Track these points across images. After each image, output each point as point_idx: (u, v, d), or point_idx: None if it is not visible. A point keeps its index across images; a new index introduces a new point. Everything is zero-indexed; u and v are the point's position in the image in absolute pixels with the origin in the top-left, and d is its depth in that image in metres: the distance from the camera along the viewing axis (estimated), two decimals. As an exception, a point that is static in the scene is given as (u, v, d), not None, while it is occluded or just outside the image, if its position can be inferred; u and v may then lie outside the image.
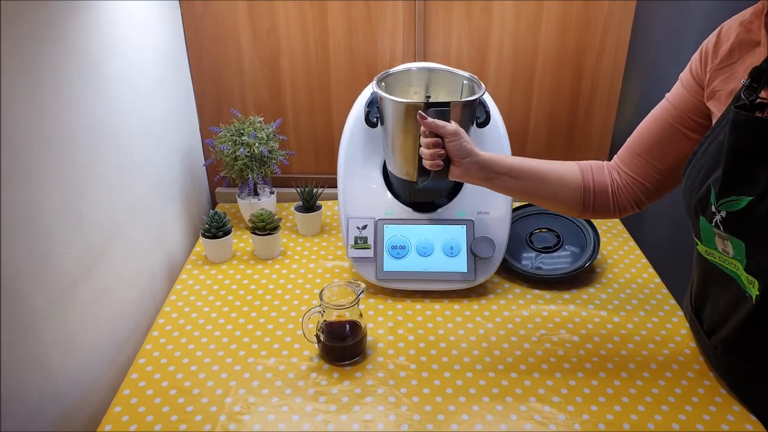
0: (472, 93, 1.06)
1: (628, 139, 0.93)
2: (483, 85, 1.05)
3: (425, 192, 1.13)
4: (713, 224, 0.75)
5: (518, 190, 0.93)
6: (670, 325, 1.05)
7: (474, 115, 1.07)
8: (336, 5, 1.31)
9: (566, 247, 1.21)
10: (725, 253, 0.77)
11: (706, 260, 0.83)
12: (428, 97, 1.14)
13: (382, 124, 1.09)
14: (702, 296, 0.91)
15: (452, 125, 0.89)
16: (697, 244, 0.83)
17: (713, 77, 0.80)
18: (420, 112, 0.91)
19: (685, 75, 0.86)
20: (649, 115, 0.90)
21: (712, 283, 0.86)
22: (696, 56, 0.84)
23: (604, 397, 0.90)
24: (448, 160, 0.90)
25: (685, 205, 0.81)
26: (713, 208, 0.75)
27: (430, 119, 0.89)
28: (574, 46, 1.35)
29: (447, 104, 0.93)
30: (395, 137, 1.06)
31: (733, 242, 0.74)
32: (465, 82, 1.10)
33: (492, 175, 0.91)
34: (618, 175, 0.93)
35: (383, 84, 1.08)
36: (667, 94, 0.89)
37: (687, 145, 0.86)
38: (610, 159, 1.50)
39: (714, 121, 0.80)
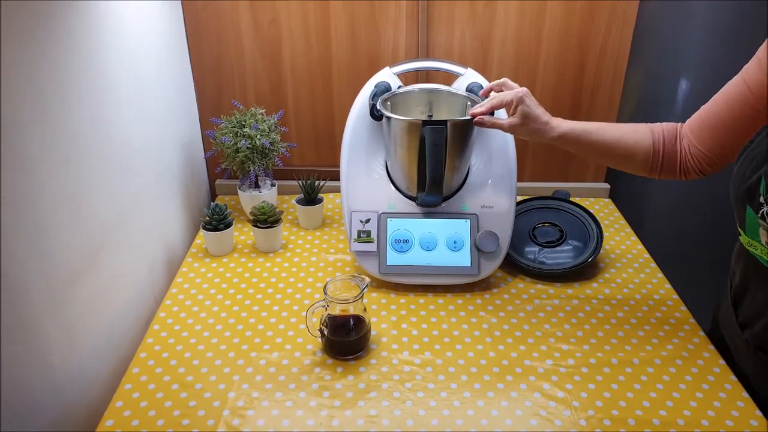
0: None
1: (700, 108, 0.89)
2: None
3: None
4: (759, 215, 0.73)
5: (587, 154, 0.97)
6: (674, 320, 1.05)
7: (471, 132, 1.08)
8: (338, -4, 1.29)
9: (569, 241, 1.21)
10: None
11: (747, 252, 0.81)
12: (430, 116, 1.16)
13: (387, 140, 1.12)
14: (742, 288, 0.90)
15: (506, 120, 0.96)
16: (740, 234, 0.81)
17: None
18: (472, 112, 0.99)
19: (764, 54, 0.78)
20: (722, 90, 0.85)
21: (753, 275, 0.84)
22: None
23: (609, 392, 0.90)
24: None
25: (732, 191, 0.78)
26: (761, 199, 0.72)
27: (487, 120, 0.98)
28: (577, 42, 1.35)
29: (444, 122, 1.01)
30: (397, 153, 1.10)
31: None
32: (468, 103, 1.13)
33: (562, 142, 0.94)
34: (687, 144, 0.90)
35: (388, 103, 1.13)
36: (744, 73, 0.81)
37: (759, 125, 0.81)
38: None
39: None
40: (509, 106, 0.94)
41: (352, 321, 0.95)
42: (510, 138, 1.15)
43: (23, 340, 0.74)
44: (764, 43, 0.78)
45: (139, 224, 1.07)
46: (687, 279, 1.26)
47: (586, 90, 1.41)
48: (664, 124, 0.93)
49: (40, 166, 0.77)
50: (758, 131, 0.77)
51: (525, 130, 0.94)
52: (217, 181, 1.48)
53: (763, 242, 0.75)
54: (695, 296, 1.21)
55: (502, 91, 0.97)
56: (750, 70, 0.81)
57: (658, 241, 1.39)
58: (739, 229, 0.80)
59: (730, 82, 0.84)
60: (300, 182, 1.31)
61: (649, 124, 0.93)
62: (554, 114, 0.94)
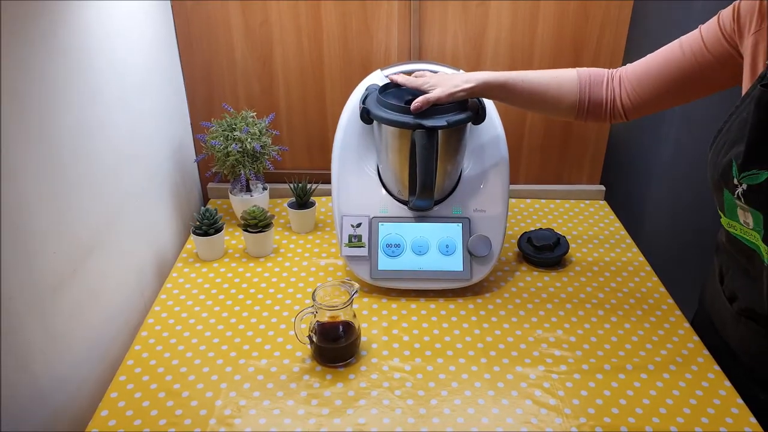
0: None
1: (643, 60, 0.94)
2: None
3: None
4: (735, 196, 0.77)
5: (515, 104, 1.03)
6: (668, 325, 1.04)
7: (463, 135, 1.07)
8: (330, -2, 1.28)
9: None
10: (746, 224, 0.79)
11: (728, 233, 0.85)
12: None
13: (378, 143, 1.11)
14: (726, 267, 0.93)
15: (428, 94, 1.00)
16: (721, 218, 0.85)
17: (758, 40, 0.78)
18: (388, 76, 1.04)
19: (710, 32, 0.85)
20: (660, 52, 0.92)
21: (735, 254, 0.88)
22: (730, 13, 0.82)
23: (601, 399, 0.88)
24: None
25: (709, 178, 0.83)
26: (735, 181, 0.76)
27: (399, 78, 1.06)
28: (571, 43, 1.33)
29: (435, 126, 0.98)
30: (388, 157, 1.09)
31: (753, 214, 0.76)
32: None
33: (486, 93, 1.00)
34: (620, 89, 0.95)
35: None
36: (684, 42, 0.89)
37: (699, 84, 0.89)
38: (606, 155, 1.49)
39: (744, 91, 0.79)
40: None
41: (341, 327, 0.94)
42: (503, 140, 1.14)
43: (6, 348, 0.73)
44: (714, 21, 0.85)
45: (128, 229, 1.06)
46: (682, 283, 1.25)
47: (581, 92, 1.40)
48: (592, 69, 0.98)
49: (23, 169, 0.76)
50: (724, 121, 0.80)
51: (451, 98, 0.99)
52: (209, 185, 1.47)
53: (741, 221, 0.80)
54: (691, 300, 1.20)
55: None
56: (690, 39, 0.89)
57: (653, 243, 1.38)
58: (719, 212, 0.84)
59: (665, 47, 0.92)
60: (292, 186, 1.30)
61: (577, 69, 0.98)
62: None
